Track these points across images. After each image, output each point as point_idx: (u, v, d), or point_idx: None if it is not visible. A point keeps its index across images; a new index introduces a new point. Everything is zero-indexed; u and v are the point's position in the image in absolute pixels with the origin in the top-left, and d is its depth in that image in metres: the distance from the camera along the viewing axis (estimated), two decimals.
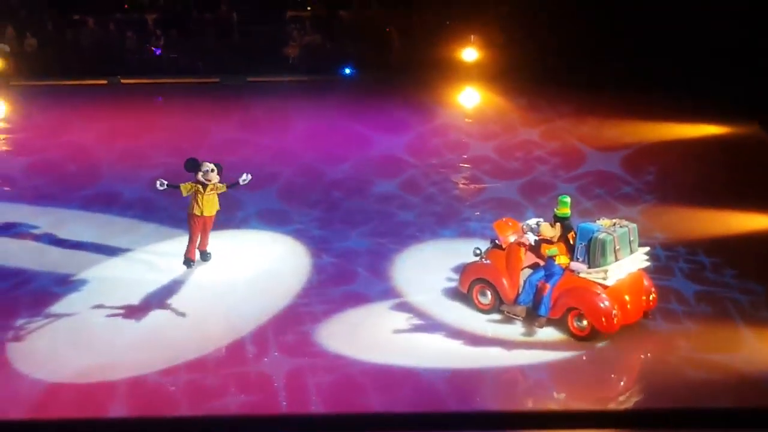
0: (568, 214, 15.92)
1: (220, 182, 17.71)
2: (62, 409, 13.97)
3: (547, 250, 15.75)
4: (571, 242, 15.76)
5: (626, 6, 30.65)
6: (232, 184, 17.89)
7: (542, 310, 15.78)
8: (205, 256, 18.27)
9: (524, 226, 16.32)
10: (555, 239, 15.80)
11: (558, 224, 15.85)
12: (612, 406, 14.51)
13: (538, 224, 16.09)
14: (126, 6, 33.25)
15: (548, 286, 15.69)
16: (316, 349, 15.56)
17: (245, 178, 17.98)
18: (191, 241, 18.02)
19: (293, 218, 20.51)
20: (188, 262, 18.06)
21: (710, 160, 23.78)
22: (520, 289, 15.97)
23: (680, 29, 29.10)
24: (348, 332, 16.08)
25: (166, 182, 17.79)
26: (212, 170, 17.58)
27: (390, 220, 20.53)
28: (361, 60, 31.53)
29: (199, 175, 17.56)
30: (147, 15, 32.57)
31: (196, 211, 17.71)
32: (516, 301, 16.04)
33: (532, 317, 15.92)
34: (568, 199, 15.99)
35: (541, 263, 15.93)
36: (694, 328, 16.17)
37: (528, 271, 16.09)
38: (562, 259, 15.75)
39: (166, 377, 14.76)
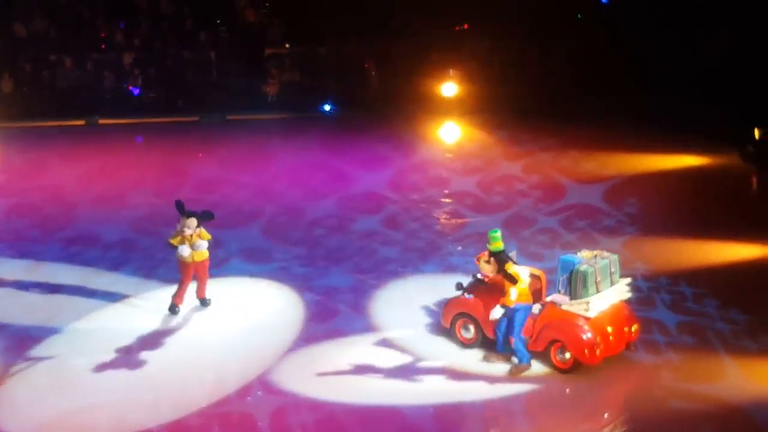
0: (501, 248, 15.72)
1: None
2: None
3: (507, 301, 15.49)
4: (509, 272, 15.40)
5: (606, 39, 30.85)
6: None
7: (498, 347, 15.81)
8: (204, 303, 17.97)
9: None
10: (493, 273, 15.72)
11: (492, 259, 15.74)
12: None
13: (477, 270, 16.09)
14: (103, 45, 33.15)
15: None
16: (299, 387, 15.43)
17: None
18: (182, 288, 17.68)
19: (275, 256, 20.43)
20: (174, 308, 17.73)
21: (691, 191, 23.83)
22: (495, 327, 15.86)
23: (660, 62, 29.32)
24: (331, 370, 15.94)
25: None
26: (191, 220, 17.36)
27: (372, 257, 20.47)
28: (341, 96, 31.53)
29: (186, 229, 17.29)
30: (124, 54, 32.47)
31: (188, 259, 17.45)
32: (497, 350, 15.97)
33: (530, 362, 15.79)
34: (498, 233, 15.80)
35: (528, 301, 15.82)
36: (677, 358, 16.14)
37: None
38: (521, 296, 15.48)
39: (149, 419, 14.59)
